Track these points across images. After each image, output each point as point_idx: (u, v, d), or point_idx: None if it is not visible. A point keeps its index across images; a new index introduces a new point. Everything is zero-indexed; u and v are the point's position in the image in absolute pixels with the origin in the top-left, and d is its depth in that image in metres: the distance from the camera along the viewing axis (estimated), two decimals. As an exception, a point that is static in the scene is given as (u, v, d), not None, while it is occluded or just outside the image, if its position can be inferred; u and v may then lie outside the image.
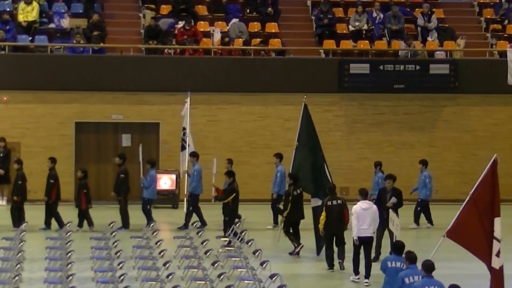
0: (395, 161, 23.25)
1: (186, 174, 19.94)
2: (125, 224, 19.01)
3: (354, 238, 14.68)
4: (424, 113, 23.75)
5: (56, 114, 22.83)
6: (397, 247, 12.05)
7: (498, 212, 11.50)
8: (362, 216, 14.66)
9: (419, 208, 19.83)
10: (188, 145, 20.36)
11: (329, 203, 15.42)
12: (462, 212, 11.61)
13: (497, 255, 11.38)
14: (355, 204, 14.92)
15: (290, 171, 17.30)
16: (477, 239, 11.48)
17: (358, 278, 14.77)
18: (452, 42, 24.72)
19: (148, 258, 15.01)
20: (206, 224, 18.96)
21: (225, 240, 16.53)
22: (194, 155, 19.79)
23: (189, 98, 20.40)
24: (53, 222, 18.96)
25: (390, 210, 15.11)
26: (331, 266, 15.52)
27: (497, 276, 11.42)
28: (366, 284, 14.58)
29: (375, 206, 14.99)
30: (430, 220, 19.84)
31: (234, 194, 17.21)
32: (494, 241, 11.34)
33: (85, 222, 18.97)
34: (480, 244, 11.47)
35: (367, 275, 14.58)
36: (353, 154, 23.50)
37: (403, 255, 11.59)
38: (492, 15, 25.76)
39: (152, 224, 17.72)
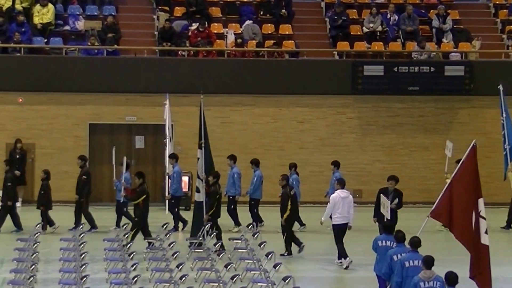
0: (410, 164, 23.17)
1: (167, 176, 19.89)
2: (93, 225, 18.90)
3: (322, 220, 16.09)
4: (438, 115, 23.64)
5: (70, 116, 22.90)
6: (388, 227, 13.26)
7: (481, 193, 12.19)
8: (339, 204, 15.82)
9: None
10: (168, 147, 20.10)
11: (292, 192, 16.85)
12: (444, 194, 12.43)
13: (486, 232, 12.07)
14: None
15: (203, 172, 17.45)
16: (459, 218, 12.17)
17: (351, 261, 15.64)
18: (467, 44, 24.58)
19: (162, 259, 15.02)
20: (177, 229, 18.91)
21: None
22: (173, 156, 19.70)
23: (167, 99, 20.11)
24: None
25: (381, 194, 15.55)
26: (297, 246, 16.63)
27: (485, 252, 12.04)
28: (340, 263, 15.80)
29: (351, 196, 16.16)
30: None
31: (145, 196, 16.93)
32: (481, 220, 11.95)
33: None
34: (462, 223, 12.12)
35: (340, 257, 15.87)
36: (366, 156, 23.41)
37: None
38: (508, 16, 25.59)
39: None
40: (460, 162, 12.55)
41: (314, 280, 15.61)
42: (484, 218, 12.10)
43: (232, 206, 19.25)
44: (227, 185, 19.39)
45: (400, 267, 11.80)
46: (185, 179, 22.28)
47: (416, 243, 11.86)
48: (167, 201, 19.94)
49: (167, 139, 20.23)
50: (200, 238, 16.54)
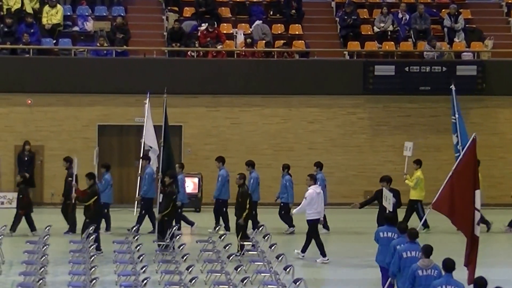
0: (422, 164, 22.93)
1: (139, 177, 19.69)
2: (73, 228, 18.70)
3: (295, 212, 16.81)
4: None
5: (79, 117, 22.81)
6: (389, 219, 13.64)
7: (478, 185, 12.66)
8: (315, 200, 16.30)
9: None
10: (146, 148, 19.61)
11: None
12: (445, 186, 12.83)
13: (478, 223, 12.56)
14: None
15: (160, 172, 17.41)
16: (459, 209, 12.56)
17: (328, 260, 15.89)
18: (479, 43, 24.38)
19: (171, 262, 14.92)
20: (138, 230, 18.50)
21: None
22: (146, 158, 19.50)
23: (148, 99, 19.80)
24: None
25: (383, 188, 15.80)
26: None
27: (474, 243, 12.58)
28: (327, 261, 16.03)
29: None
30: None
31: (96, 197, 16.65)
32: (476, 212, 12.41)
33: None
34: (462, 214, 12.54)
35: (324, 254, 16.23)
36: (377, 157, 23.24)
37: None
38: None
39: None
40: (461, 155, 13.01)
41: (325, 282, 15.52)
42: (478, 210, 12.47)
43: (225, 208, 19.06)
44: (216, 187, 19.22)
45: (397, 258, 12.06)
46: (195, 180, 22.19)
47: (414, 234, 12.20)
48: (136, 202, 19.60)
49: (143, 140, 19.41)
50: (168, 241, 16.30)
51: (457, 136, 19.43)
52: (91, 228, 16.00)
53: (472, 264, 12.52)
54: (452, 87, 19.47)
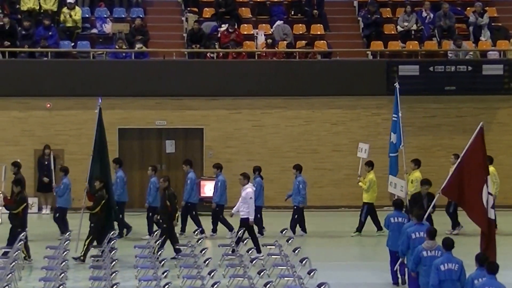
0: (447, 166, 22.44)
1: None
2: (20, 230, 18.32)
3: (233, 211, 16.97)
4: (477, 116, 22.98)
5: (99, 121, 22.53)
6: (397, 205, 14.54)
7: (488, 172, 13.26)
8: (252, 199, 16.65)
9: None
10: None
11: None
12: (454, 173, 13.46)
13: (492, 207, 13.08)
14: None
15: (87, 181, 16.97)
16: (469, 195, 13.13)
17: (263, 256, 16.09)
18: (505, 42, 23.98)
19: (193, 266, 14.71)
20: (122, 236, 18.47)
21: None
22: (116, 161, 19.17)
23: (100, 102, 19.16)
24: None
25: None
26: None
27: (492, 226, 13.10)
28: (262, 258, 16.03)
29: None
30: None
31: (25, 204, 16.16)
32: (490, 196, 12.96)
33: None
34: (471, 200, 13.07)
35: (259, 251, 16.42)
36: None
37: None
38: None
39: (68, 233, 16.83)
40: (468, 143, 13.36)
41: (350, 286, 15.17)
42: (492, 194, 13.10)
43: (194, 212, 18.82)
44: (186, 191, 18.87)
45: (406, 238, 13.03)
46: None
47: (421, 216, 13.23)
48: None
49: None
50: (105, 245, 15.96)
51: (396, 136, 18.99)
52: (22, 235, 15.58)
53: (490, 247, 12.77)
54: (396, 85, 19.09)
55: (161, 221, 16.81)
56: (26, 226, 16.18)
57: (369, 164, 19.31)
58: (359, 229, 18.96)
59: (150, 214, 18.40)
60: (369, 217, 18.96)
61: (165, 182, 16.76)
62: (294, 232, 18.44)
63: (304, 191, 18.87)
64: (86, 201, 17.07)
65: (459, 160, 13.49)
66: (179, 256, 16.15)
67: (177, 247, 16.47)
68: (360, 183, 19.10)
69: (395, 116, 18.87)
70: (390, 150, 18.88)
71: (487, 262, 11.02)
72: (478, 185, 12.92)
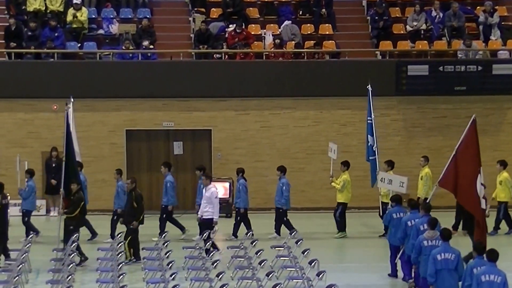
0: (458, 166, 22.27)
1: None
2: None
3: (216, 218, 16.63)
4: (487, 116, 22.80)
5: (106, 122, 22.44)
6: (397, 200, 14.99)
7: (480, 163, 13.65)
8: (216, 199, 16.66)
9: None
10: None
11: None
12: (450, 165, 14.05)
13: (484, 197, 13.48)
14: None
15: (62, 187, 16.72)
16: (464, 186, 13.60)
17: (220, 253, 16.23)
18: (516, 41, 23.74)
19: (201, 268, 14.57)
20: (96, 235, 18.42)
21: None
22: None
23: (72, 103, 18.96)
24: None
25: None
26: None
27: (483, 215, 13.52)
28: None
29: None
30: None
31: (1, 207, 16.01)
32: (481, 187, 13.38)
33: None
34: (467, 190, 13.52)
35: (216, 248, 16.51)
36: (412, 159, 22.59)
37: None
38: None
39: (32, 236, 16.63)
40: (462, 136, 13.96)
41: (360, 288, 14.95)
42: (484, 186, 13.50)
43: (165, 216, 18.61)
44: (165, 194, 18.63)
45: (415, 231, 13.36)
46: (226, 185, 21.71)
47: (429, 208, 13.69)
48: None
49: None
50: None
51: (373, 138, 19.06)
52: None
53: (482, 234, 13.26)
54: (369, 87, 19.09)
55: (125, 222, 16.54)
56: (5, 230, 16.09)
57: (345, 164, 19.25)
58: (342, 229, 18.86)
59: (115, 217, 18.24)
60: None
61: (132, 184, 16.61)
62: (279, 234, 18.38)
63: (287, 193, 18.64)
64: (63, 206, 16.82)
65: (453, 152, 13.98)
66: (134, 260, 16.06)
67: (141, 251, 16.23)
68: (333, 183, 18.98)
69: (369, 118, 19.11)
70: (369, 153, 19.08)
71: (487, 250, 11.09)
72: (472, 175, 13.39)
